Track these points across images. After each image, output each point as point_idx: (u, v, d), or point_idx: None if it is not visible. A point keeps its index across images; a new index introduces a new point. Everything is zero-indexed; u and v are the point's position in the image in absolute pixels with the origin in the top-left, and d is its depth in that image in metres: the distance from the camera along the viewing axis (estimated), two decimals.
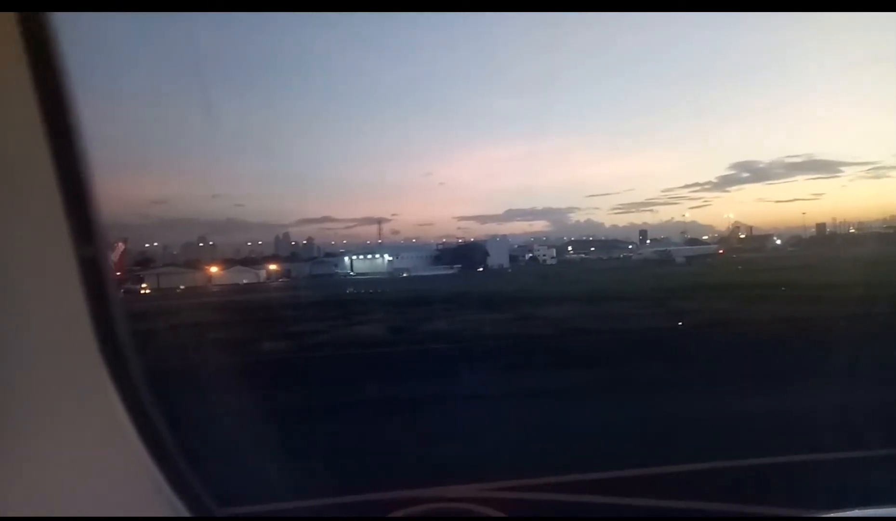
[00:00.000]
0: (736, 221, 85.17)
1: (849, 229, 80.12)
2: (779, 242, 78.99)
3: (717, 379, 8.78)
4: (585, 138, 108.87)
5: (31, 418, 1.46)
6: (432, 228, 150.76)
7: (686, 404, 7.61)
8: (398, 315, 21.97)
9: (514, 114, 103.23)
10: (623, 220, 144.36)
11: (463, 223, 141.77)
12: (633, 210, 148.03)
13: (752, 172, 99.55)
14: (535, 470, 4.74)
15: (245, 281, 53.28)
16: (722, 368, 9.71)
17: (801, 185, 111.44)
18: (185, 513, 1.62)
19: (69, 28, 1.51)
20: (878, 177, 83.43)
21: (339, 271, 64.81)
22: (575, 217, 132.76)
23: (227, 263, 63.19)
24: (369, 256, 69.42)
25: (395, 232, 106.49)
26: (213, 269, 57.30)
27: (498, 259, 65.16)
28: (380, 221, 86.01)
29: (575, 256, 77.51)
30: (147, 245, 64.24)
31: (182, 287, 49.01)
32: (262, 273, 58.79)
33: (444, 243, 74.93)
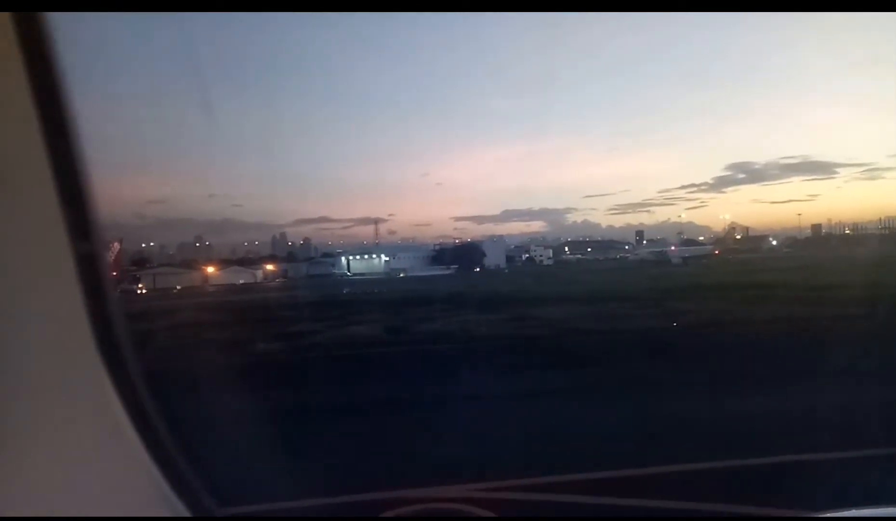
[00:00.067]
0: (732, 222, 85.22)
1: (844, 231, 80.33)
2: (774, 242, 79.08)
3: (711, 379, 8.81)
4: (582, 139, 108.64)
5: (28, 417, 1.45)
6: (429, 228, 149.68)
7: (680, 404, 7.63)
8: (395, 315, 21.98)
9: (511, 115, 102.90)
10: (620, 220, 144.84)
11: (460, 224, 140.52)
12: (630, 211, 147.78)
13: (748, 174, 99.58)
14: (527, 470, 4.74)
15: (242, 281, 53.02)
16: (716, 368, 9.74)
17: (797, 186, 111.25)
18: (184, 513, 1.62)
19: (66, 28, 1.51)
20: (873, 178, 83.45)
21: (336, 271, 64.60)
22: (572, 218, 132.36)
23: (224, 263, 62.85)
24: (366, 257, 69.20)
25: (392, 232, 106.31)
26: (210, 269, 57.00)
27: (495, 260, 65.08)
28: (377, 221, 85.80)
29: (572, 256, 77.41)
30: (143, 245, 63.80)
31: (178, 287, 48.72)
32: (259, 273, 58.50)
33: (441, 244, 74.47)
